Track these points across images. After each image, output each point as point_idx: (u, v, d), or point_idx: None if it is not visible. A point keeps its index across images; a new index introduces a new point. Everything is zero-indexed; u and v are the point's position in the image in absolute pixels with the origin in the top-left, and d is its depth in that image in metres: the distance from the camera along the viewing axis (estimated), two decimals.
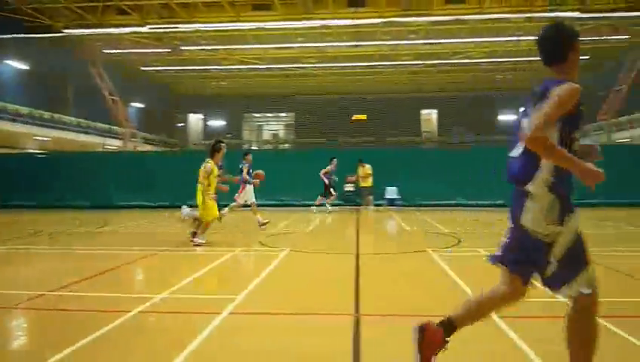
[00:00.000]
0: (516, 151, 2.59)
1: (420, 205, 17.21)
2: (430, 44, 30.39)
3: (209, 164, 8.46)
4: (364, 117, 44.14)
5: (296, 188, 17.24)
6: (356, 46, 30.06)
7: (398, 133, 41.65)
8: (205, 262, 6.94)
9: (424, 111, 48.49)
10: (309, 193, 16.30)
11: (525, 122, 2.52)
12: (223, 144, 8.86)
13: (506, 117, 48.06)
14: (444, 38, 29.48)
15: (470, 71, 39.10)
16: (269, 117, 51.40)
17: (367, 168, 16.81)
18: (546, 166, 2.45)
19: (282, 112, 49.67)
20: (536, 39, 2.72)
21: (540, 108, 2.38)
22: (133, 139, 36.17)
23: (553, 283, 2.52)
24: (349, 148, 30.75)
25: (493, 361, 3.32)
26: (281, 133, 51.56)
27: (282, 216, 13.79)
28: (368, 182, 16.90)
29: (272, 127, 52.08)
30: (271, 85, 41.83)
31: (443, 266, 6.36)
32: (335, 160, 15.97)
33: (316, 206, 15.89)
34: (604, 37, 28.45)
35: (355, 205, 17.63)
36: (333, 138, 41.40)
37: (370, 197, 17.21)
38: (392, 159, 18.02)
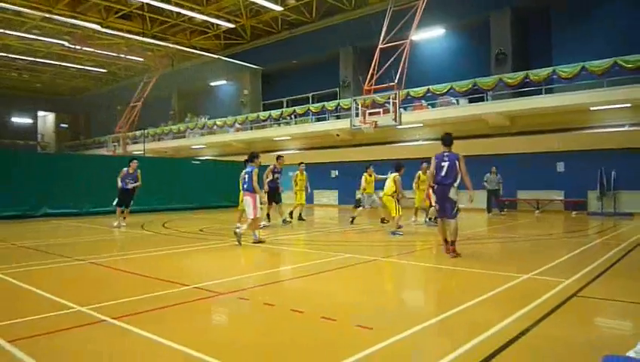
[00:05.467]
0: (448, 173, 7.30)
1: None
2: None
3: None
4: None
5: None
6: None
7: None
8: None
9: None
10: None
11: (447, 163, 7.29)
12: None
13: (21, 119, 43.90)
14: None
15: None
16: None
17: None
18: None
19: None
20: (445, 135, 7.57)
21: (463, 166, 7.28)
22: None
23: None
24: None
25: None
26: None
27: None
28: None
29: None
30: None
31: None
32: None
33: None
34: (122, 55, 30.61)
35: None
36: None
37: None
38: None
